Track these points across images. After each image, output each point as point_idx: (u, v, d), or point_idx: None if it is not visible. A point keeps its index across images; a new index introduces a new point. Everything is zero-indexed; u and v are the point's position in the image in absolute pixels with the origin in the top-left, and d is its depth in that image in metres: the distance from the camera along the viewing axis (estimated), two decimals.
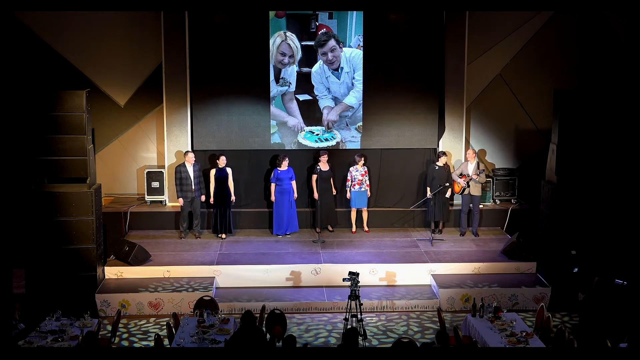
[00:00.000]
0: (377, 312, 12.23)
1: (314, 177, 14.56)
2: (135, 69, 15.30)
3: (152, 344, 10.78)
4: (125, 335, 11.47)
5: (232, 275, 12.91)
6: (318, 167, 14.48)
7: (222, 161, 14.28)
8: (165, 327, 10.85)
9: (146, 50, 15.16)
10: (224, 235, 14.42)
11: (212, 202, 14.44)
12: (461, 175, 14.37)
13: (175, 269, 12.96)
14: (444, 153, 14.60)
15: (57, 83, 14.70)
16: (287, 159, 14.38)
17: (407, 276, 13.03)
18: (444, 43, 14.97)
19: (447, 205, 14.72)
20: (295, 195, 14.53)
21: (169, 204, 15.28)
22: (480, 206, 14.82)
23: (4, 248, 10.30)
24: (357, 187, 14.51)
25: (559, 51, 15.47)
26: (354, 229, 14.78)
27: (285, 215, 14.48)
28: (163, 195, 15.26)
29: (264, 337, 9.75)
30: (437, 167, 14.46)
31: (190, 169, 14.19)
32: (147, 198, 15.26)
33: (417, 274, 13.05)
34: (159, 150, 15.61)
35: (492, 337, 9.87)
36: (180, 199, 14.26)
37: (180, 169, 14.20)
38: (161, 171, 15.23)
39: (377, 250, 13.75)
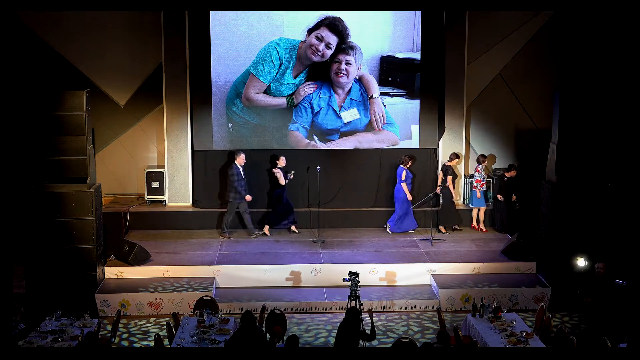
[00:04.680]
0: (377, 312, 12.21)
1: (450, 178, 14.60)
2: (135, 69, 15.31)
3: (152, 344, 10.78)
4: (125, 335, 11.47)
5: (232, 275, 12.90)
6: (452, 168, 14.65)
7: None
8: (165, 327, 10.85)
9: (146, 50, 15.17)
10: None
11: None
12: None
13: (175, 269, 12.95)
14: (515, 166, 14.74)
15: (57, 83, 14.70)
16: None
17: (407, 276, 13.02)
18: (444, 43, 14.97)
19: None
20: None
21: (169, 203, 15.29)
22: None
23: (4, 248, 10.31)
24: (484, 186, 14.68)
25: (559, 51, 15.47)
26: (479, 226, 14.94)
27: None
28: (163, 195, 15.26)
29: (264, 337, 9.75)
30: (505, 179, 14.66)
31: (241, 170, 14.21)
32: (147, 198, 15.26)
33: (417, 274, 13.04)
34: (159, 150, 15.61)
35: (492, 337, 9.87)
36: (249, 196, 14.24)
37: (238, 170, 14.14)
38: (161, 171, 15.23)
39: (377, 250, 13.75)
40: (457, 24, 14.96)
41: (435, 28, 14.84)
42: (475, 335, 10.16)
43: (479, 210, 14.90)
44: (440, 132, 15.27)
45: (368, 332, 9.82)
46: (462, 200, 15.58)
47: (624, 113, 13.50)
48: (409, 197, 14.49)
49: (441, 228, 14.81)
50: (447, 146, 15.26)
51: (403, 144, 15.12)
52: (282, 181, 14.30)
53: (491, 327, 10.14)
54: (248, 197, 14.27)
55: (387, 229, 14.72)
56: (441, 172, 14.74)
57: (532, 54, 15.52)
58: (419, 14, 14.67)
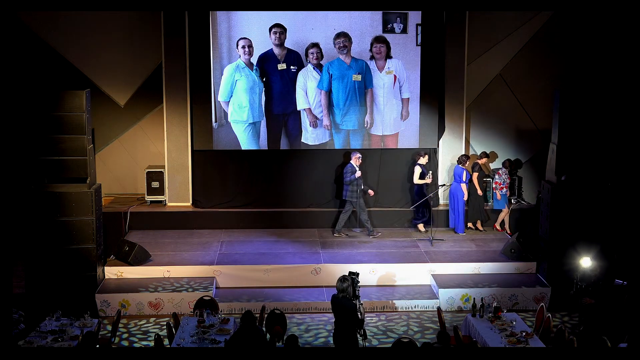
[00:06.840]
0: (377, 312, 12.23)
1: (476, 175, 14.68)
2: (135, 69, 15.31)
3: (152, 344, 10.78)
4: (125, 335, 11.47)
5: (232, 275, 12.90)
6: (479, 166, 14.77)
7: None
8: (165, 327, 10.85)
9: (146, 50, 15.17)
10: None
11: None
12: None
13: (175, 269, 12.95)
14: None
15: (57, 83, 14.70)
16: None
17: (407, 276, 13.03)
18: (444, 43, 14.97)
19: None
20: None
21: (169, 203, 15.29)
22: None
23: (4, 248, 10.31)
24: (505, 189, 14.72)
25: (559, 51, 15.48)
26: (501, 228, 14.98)
27: None
28: (163, 195, 15.26)
29: (264, 337, 9.75)
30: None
31: (357, 169, 14.23)
32: (147, 198, 15.26)
33: (417, 274, 13.05)
34: (159, 150, 15.61)
35: (492, 337, 9.87)
36: (371, 191, 14.46)
37: (354, 169, 14.19)
38: (161, 171, 15.23)
39: (377, 250, 13.75)
40: (457, 24, 14.95)
41: (435, 28, 14.85)
42: (475, 335, 10.16)
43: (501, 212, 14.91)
44: (440, 132, 15.27)
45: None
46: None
47: (624, 113, 13.50)
48: (465, 198, 14.58)
49: (470, 225, 14.90)
50: (447, 146, 15.26)
51: (403, 144, 15.13)
52: (416, 179, 14.53)
53: (491, 327, 10.14)
54: (371, 192, 14.50)
55: (455, 230, 14.78)
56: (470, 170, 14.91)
57: (532, 54, 15.52)
58: (419, 13, 14.68)
